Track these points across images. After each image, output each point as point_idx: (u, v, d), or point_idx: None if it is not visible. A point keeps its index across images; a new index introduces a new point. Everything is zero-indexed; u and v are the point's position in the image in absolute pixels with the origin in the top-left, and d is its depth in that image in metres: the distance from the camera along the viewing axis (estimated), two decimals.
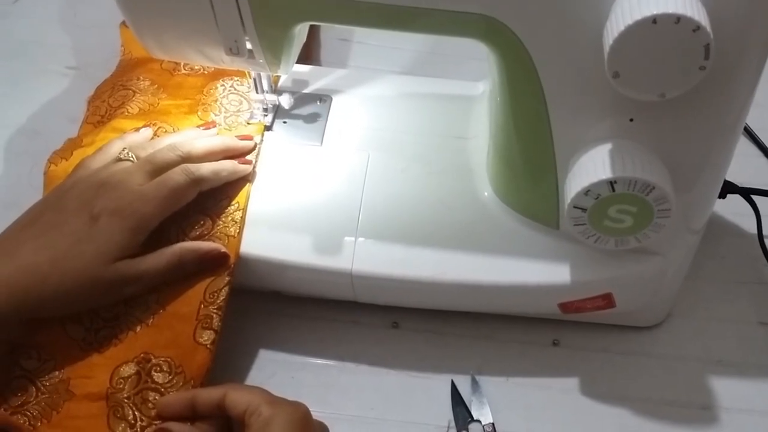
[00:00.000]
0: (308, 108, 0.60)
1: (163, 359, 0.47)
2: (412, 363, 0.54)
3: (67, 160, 0.55)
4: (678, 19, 0.36)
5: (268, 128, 0.58)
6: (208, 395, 0.44)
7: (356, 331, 0.55)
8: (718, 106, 0.42)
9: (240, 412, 0.42)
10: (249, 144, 0.54)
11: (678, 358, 0.56)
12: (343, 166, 0.56)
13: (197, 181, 0.50)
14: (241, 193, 0.53)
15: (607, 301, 0.52)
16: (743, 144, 0.69)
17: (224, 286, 0.50)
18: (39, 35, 0.73)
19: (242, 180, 0.54)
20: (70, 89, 0.68)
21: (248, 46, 0.48)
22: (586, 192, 0.43)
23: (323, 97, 0.60)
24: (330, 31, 0.75)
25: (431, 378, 0.54)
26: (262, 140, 0.57)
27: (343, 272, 0.51)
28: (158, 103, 0.59)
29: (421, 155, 0.57)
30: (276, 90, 0.59)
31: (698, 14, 0.36)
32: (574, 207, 0.44)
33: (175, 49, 0.50)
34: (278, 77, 0.60)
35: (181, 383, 0.47)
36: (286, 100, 0.59)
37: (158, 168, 0.50)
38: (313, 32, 0.72)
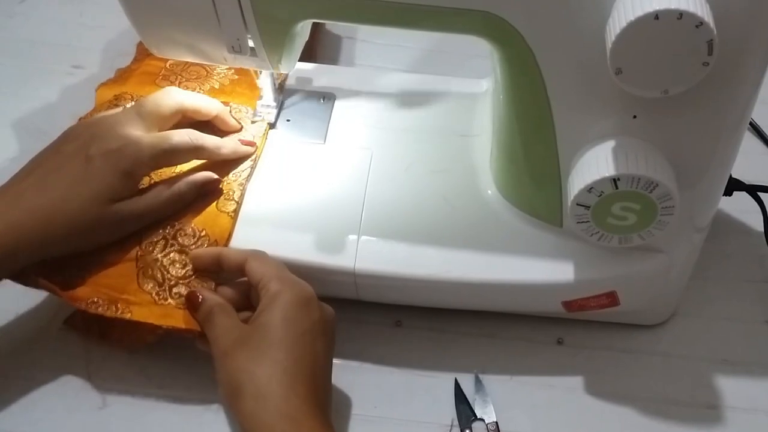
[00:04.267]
0: (311, 106, 0.60)
1: (186, 224, 0.51)
2: (416, 361, 0.54)
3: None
4: (681, 14, 0.36)
5: (271, 126, 0.58)
6: (233, 256, 0.49)
7: (359, 330, 0.55)
8: (722, 103, 0.42)
9: (255, 281, 0.47)
10: (236, 125, 0.56)
11: (683, 357, 0.55)
12: (346, 164, 0.56)
13: (198, 147, 0.51)
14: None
15: (611, 299, 0.51)
16: (750, 141, 0.69)
17: (247, 168, 0.54)
18: (45, 35, 0.74)
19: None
20: (75, 88, 0.69)
21: (250, 44, 0.48)
22: (589, 189, 0.43)
23: (326, 95, 0.60)
24: (333, 29, 0.75)
25: (435, 376, 0.54)
26: (265, 138, 0.57)
27: (346, 271, 0.51)
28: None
29: (425, 153, 0.57)
30: (280, 88, 0.59)
31: (701, 10, 0.36)
32: (577, 204, 0.44)
33: (177, 48, 0.50)
34: (283, 75, 0.60)
35: (206, 245, 0.51)
36: (289, 98, 0.59)
37: (157, 115, 0.50)
38: (316, 30, 0.72)
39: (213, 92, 0.60)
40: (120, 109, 0.53)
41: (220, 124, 0.55)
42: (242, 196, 0.53)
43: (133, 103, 0.55)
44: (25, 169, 0.50)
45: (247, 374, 0.43)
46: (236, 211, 0.53)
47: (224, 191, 0.53)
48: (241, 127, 0.56)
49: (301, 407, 0.42)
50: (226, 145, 0.53)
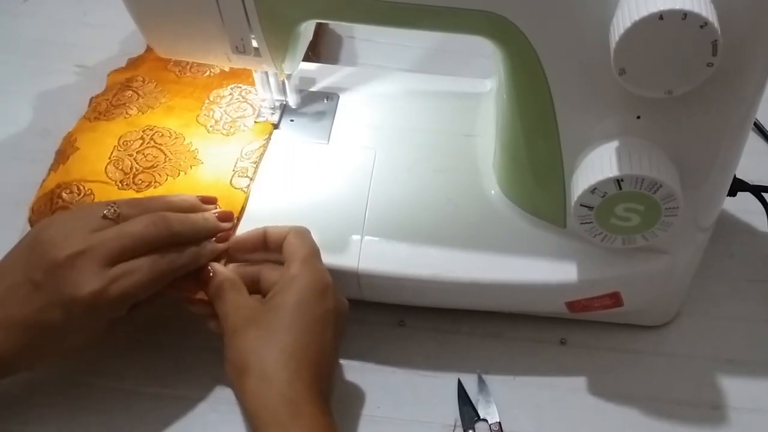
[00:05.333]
0: (315, 106, 0.60)
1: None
2: (419, 361, 0.54)
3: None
4: (685, 15, 0.36)
5: (275, 126, 0.58)
6: (276, 232, 0.49)
7: (362, 329, 0.55)
8: (726, 103, 0.42)
9: (285, 258, 0.47)
10: (228, 225, 0.51)
11: (687, 357, 0.55)
12: (349, 164, 0.56)
13: (178, 269, 0.47)
14: None
15: (614, 299, 0.51)
16: (755, 141, 0.68)
17: (260, 147, 0.56)
18: (49, 34, 0.74)
19: None
20: (79, 88, 0.68)
21: (254, 44, 0.48)
22: (593, 190, 0.43)
23: (330, 95, 0.60)
24: (337, 29, 0.75)
25: (438, 376, 0.54)
26: (269, 139, 0.57)
27: (350, 271, 0.51)
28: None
29: (428, 153, 0.57)
30: (283, 88, 0.59)
31: (705, 10, 0.36)
32: (581, 205, 0.44)
33: (180, 48, 0.50)
34: (286, 75, 0.60)
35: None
36: (293, 99, 0.59)
37: (133, 243, 0.45)
38: (320, 30, 0.72)
39: (223, 75, 0.61)
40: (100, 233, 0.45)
41: (213, 234, 0.50)
42: (255, 173, 0.55)
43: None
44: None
45: (255, 354, 0.43)
46: (249, 187, 0.54)
47: (238, 170, 0.55)
48: (234, 224, 0.52)
49: (304, 393, 0.43)
50: (203, 253, 0.48)
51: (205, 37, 0.49)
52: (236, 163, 0.55)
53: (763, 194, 0.58)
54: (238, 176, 0.54)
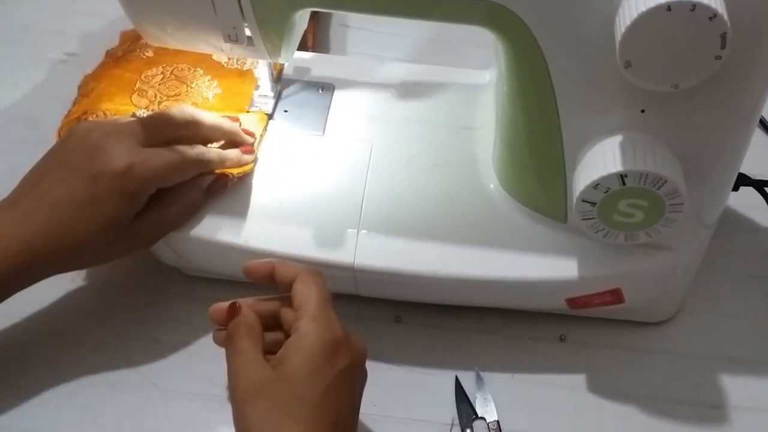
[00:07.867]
0: (310, 96, 0.59)
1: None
2: (416, 358, 0.54)
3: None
4: (694, 6, 0.35)
5: (269, 117, 0.57)
6: (285, 272, 0.46)
7: (358, 325, 0.53)
8: (733, 97, 0.41)
9: (296, 307, 0.44)
10: (250, 139, 0.54)
11: (688, 355, 0.54)
12: (345, 157, 0.55)
13: (205, 162, 0.50)
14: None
15: (615, 296, 0.51)
16: (758, 135, 0.67)
17: (269, 102, 0.58)
18: (38, 21, 0.73)
19: None
20: (69, 76, 0.67)
21: (247, 33, 0.47)
22: (596, 185, 0.42)
23: (325, 86, 0.59)
24: (332, 17, 0.74)
25: (435, 374, 0.53)
26: (265, 130, 0.56)
27: (345, 266, 0.50)
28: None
29: (426, 146, 0.56)
30: (277, 78, 0.58)
31: (715, 1, 0.35)
32: (583, 201, 0.43)
33: (171, 36, 0.49)
34: (281, 65, 0.59)
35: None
36: (287, 89, 0.58)
37: (164, 125, 0.49)
38: (315, 18, 0.71)
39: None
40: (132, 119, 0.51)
41: (235, 141, 0.54)
42: (273, 113, 0.57)
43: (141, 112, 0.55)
44: (31, 178, 0.48)
45: (265, 428, 0.40)
46: (269, 116, 0.57)
47: (255, 96, 0.57)
48: (254, 140, 0.55)
49: None
50: (230, 156, 0.52)
51: (196, 26, 0.48)
52: (255, 89, 0.57)
53: (766, 189, 0.57)
54: (257, 98, 0.57)
